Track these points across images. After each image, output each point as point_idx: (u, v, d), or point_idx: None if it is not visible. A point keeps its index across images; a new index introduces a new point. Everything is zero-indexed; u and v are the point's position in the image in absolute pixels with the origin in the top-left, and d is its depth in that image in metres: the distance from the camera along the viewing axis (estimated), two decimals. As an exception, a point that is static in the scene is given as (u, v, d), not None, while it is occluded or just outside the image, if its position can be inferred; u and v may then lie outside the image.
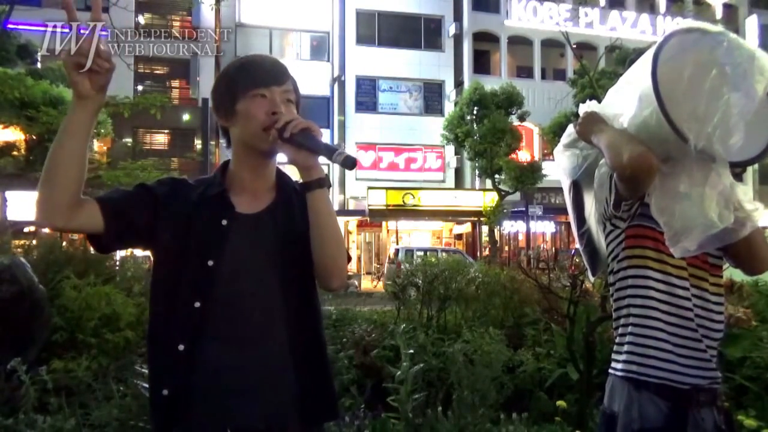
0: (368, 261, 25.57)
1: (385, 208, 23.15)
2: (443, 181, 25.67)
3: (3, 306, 3.73)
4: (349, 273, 17.86)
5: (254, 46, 22.96)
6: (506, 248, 25.24)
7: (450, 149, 25.00)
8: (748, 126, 1.45)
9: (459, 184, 26.00)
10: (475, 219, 23.83)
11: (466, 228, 25.76)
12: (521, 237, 26.22)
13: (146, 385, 2.68)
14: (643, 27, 27.36)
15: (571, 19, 24.89)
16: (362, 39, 25.66)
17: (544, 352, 4.13)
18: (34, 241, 5.51)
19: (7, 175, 13.63)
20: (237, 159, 1.47)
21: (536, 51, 27.08)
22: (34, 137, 13.65)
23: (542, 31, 26.19)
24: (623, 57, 20.17)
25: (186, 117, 23.63)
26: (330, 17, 25.60)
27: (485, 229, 23.90)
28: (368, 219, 23.66)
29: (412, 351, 3.29)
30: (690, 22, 1.60)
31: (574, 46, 19.75)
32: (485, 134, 21.41)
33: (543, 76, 27.64)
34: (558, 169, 1.91)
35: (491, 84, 22.91)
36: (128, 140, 22.53)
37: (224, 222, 1.40)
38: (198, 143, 23.37)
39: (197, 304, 1.34)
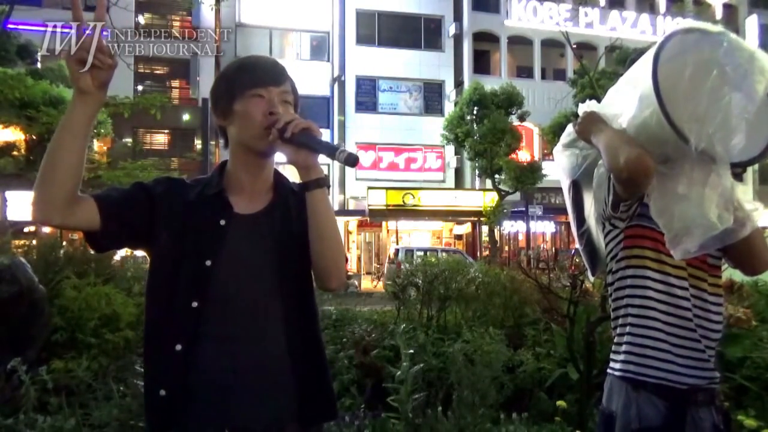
0: (368, 261, 25.57)
1: (385, 208, 23.16)
2: (443, 181, 25.68)
3: (3, 306, 3.73)
4: (349, 273, 17.88)
5: (254, 46, 22.99)
6: (506, 248, 25.25)
7: (450, 149, 25.00)
8: (748, 126, 1.45)
9: (459, 184, 26.00)
10: (475, 219, 23.84)
11: (466, 228, 25.76)
12: (521, 237, 26.22)
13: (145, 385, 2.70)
14: (643, 27, 27.36)
15: (571, 19, 24.90)
16: (362, 39, 25.67)
17: (544, 352, 4.13)
18: (34, 241, 5.52)
19: (7, 175, 13.61)
20: (234, 159, 1.47)
21: (536, 51, 27.08)
22: (34, 137, 13.64)
23: (542, 31, 26.20)
24: (623, 57, 20.15)
25: (186, 117, 23.64)
26: (330, 17, 25.60)
27: (485, 229, 23.90)
28: (368, 219, 23.66)
29: (412, 351, 3.29)
30: (690, 23, 1.60)
31: (574, 46, 19.73)
32: (485, 134, 21.41)
33: (543, 76, 27.64)
34: (558, 169, 1.91)
35: (491, 84, 22.92)
36: (128, 140, 22.53)
37: (222, 222, 1.40)
38: (198, 143, 23.38)
39: (195, 304, 1.34)
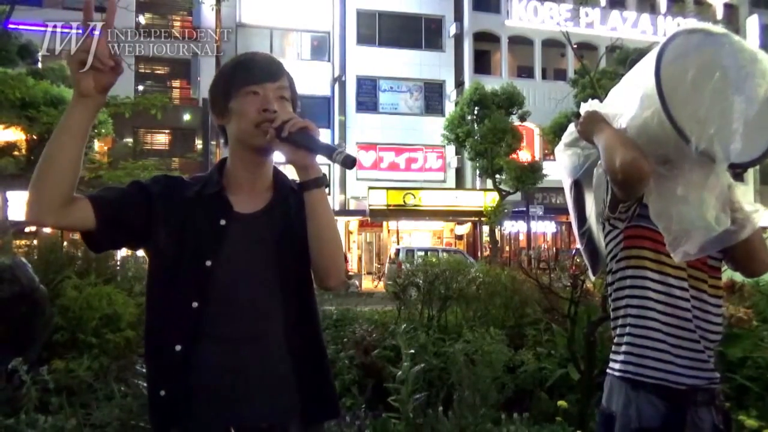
0: (369, 261, 25.57)
1: (385, 208, 23.16)
2: (444, 181, 25.67)
3: (4, 306, 3.73)
4: (350, 273, 17.86)
5: (255, 46, 22.95)
6: (507, 248, 25.25)
7: (451, 149, 25.00)
8: (749, 128, 1.45)
9: (460, 184, 25.99)
10: (476, 219, 23.84)
11: (466, 228, 25.75)
12: (522, 237, 26.22)
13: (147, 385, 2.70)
14: (644, 27, 27.34)
15: (571, 19, 24.87)
16: (363, 39, 25.66)
17: (545, 352, 4.13)
18: (35, 241, 5.52)
19: (8, 175, 13.61)
20: (234, 157, 1.46)
21: (537, 51, 27.07)
22: (35, 137, 13.62)
23: (543, 31, 26.18)
24: (624, 57, 20.13)
25: (187, 117, 23.65)
26: (330, 17, 25.60)
27: (486, 229, 23.90)
28: (369, 219, 23.66)
29: (412, 351, 3.30)
30: (693, 23, 1.60)
31: (575, 46, 19.67)
32: (486, 134, 21.42)
33: (544, 76, 27.63)
34: (559, 168, 1.91)
35: (492, 84, 22.92)
36: (129, 140, 22.54)
37: (222, 222, 1.39)
38: (199, 143, 23.37)
39: (195, 305, 1.34)
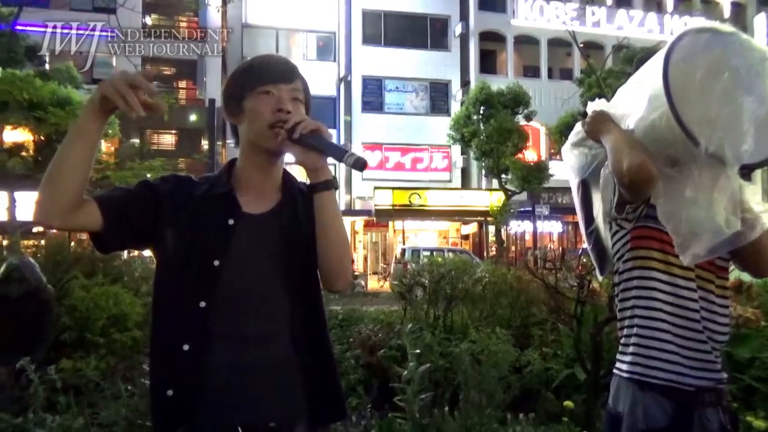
0: (375, 261, 25.57)
1: (391, 208, 23.16)
2: (450, 181, 25.65)
3: (12, 305, 3.75)
4: (356, 273, 17.85)
5: (260, 47, 23.04)
6: (513, 248, 25.19)
7: (456, 149, 24.98)
8: (758, 129, 1.44)
9: (465, 183, 25.97)
10: (482, 219, 23.80)
11: (472, 228, 25.72)
12: (528, 237, 26.15)
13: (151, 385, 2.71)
14: (651, 26, 27.24)
15: (577, 18, 24.78)
16: (368, 39, 25.68)
17: (551, 352, 4.12)
18: (43, 241, 5.54)
19: (16, 175, 13.68)
20: (244, 157, 1.46)
21: (543, 50, 27.02)
22: (43, 138, 13.69)
23: (549, 30, 26.13)
24: (630, 56, 20.11)
25: (193, 117, 23.72)
26: (336, 17, 25.63)
27: (492, 229, 23.86)
28: (375, 219, 23.66)
29: (418, 351, 3.29)
30: (702, 22, 1.59)
31: (581, 45, 19.67)
32: (492, 134, 21.38)
33: (550, 76, 27.56)
34: (566, 168, 1.91)
35: (498, 83, 22.87)
36: (136, 141, 22.62)
37: (231, 222, 1.39)
38: (205, 144, 23.46)
39: (203, 304, 1.34)
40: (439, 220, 25.18)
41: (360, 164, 1.31)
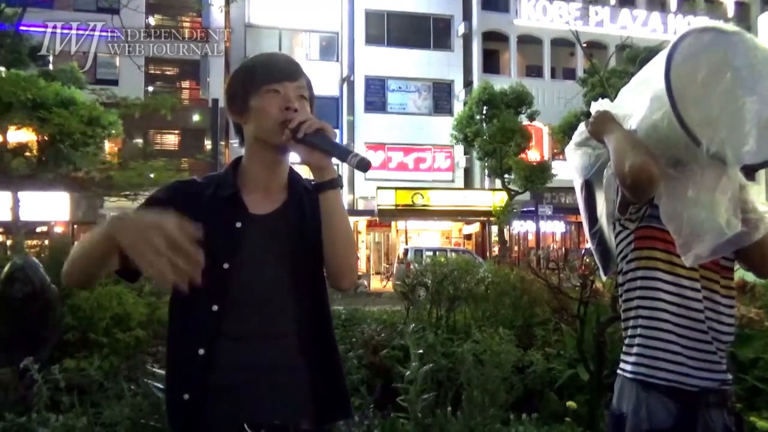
0: (377, 261, 25.58)
1: (394, 208, 23.17)
2: (452, 181, 25.64)
3: (16, 305, 3.77)
4: (359, 273, 17.87)
5: (264, 47, 23.03)
6: (516, 248, 25.17)
7: (459, 149, 24.97)
8: (761, 130, 1.43)
9: (468, 183, 25.95)
10: (485, 219, 23.79)
11: (475, 228, 25.71)
12: (531, 237, 26.14)
13: (158, 385, 2.71)
14: (654, 25, 27.19)
15: (581, 18, 24.78)
16: (371, 39, 25.69)
17: (554, 352, 4.11)
18: (47, 241, 5.56)
19: (20, 175, 13.70)
20: (250, 156, 1.46)
21: (546, 50, 26.98)
22: (46, 138, 13.69)
23: (552, 30, 26.09)
24: (634, 56, 20.05)
25: (196, 117, 23.75)
26: (339, 17, 25.64)
27: (495, 229, 23.85)
28: (377, 219, 23.67)
29: (421, 351, 3.29)
30: (705, 21, 1.58)
31: (584, 45, 19.64)
32: (495, 134, 21.37)
33: (553, 76, 27.54)
34: (570, 168, 1.90)
35: (501, 83, 22.86)
36: (139, 141, 22.67)
37: (238, 224, 1.39)
38: (208, 143, 23.48)
39: (215, 308, 1.34)
40: (442, 220, 25.17)
41: (364, 165, 1.31)
